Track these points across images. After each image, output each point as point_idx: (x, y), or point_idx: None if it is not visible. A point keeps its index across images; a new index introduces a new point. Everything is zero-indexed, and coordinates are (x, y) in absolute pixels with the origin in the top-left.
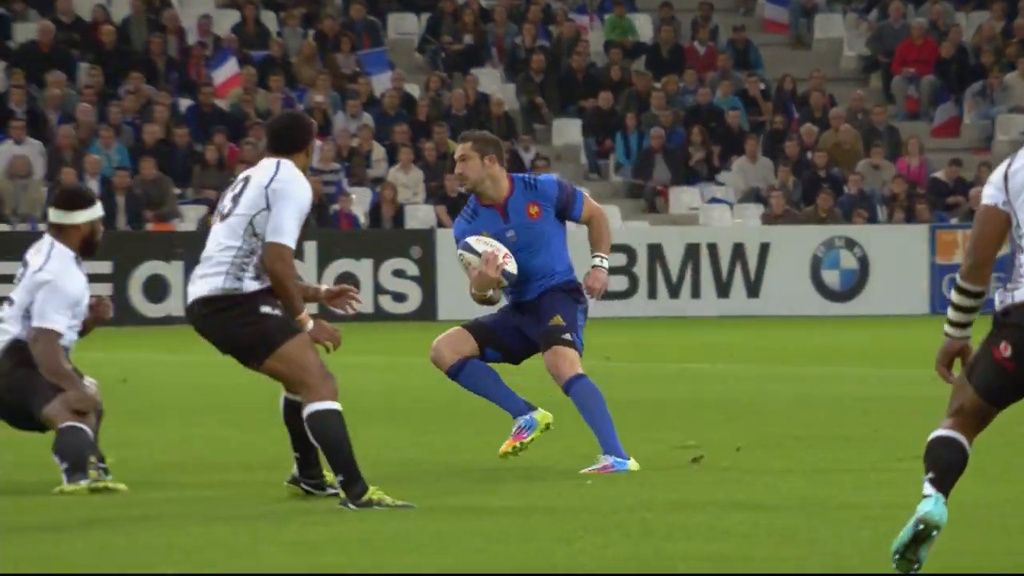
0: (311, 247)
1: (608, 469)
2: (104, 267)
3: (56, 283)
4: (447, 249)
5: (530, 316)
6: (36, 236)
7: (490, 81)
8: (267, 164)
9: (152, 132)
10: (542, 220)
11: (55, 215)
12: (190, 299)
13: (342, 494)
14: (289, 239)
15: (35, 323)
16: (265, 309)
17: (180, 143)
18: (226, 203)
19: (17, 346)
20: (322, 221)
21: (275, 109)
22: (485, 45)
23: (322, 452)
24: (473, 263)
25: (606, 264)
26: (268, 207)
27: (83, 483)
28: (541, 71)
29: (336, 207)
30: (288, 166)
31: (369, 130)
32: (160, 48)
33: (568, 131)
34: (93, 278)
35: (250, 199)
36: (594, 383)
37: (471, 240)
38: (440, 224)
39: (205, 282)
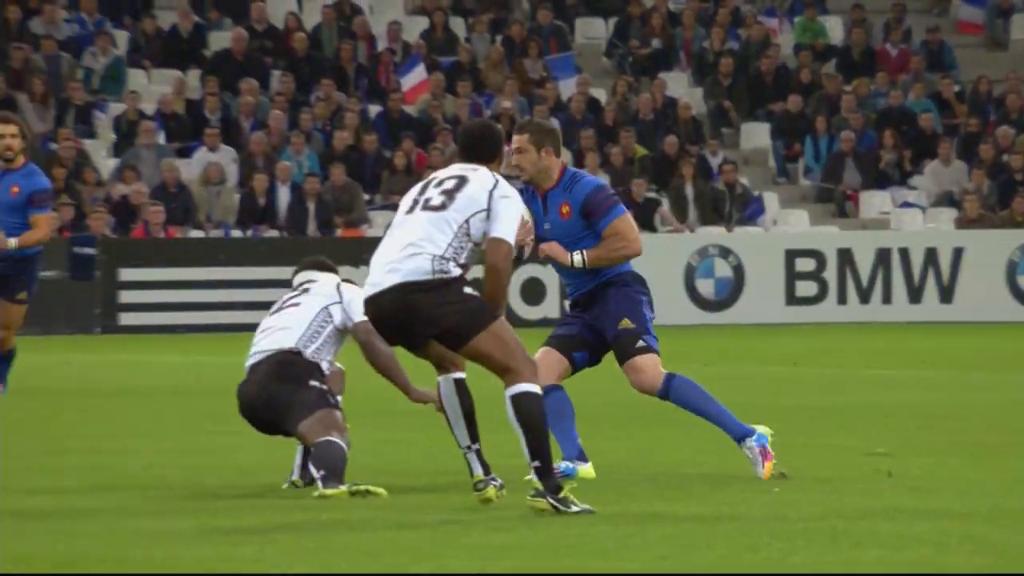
0: None
1: (767, 453)
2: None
3: (356, 289)
4: None
5: (594, 311)
6: (230, 243)
7: (678, 85)
8: (484, 171)
9: (342, 138)
10: (571, 220)
11: (306, 276)
12: (385, 285)
13: (535, 482)
14: (513, 240)
15: (356, 318)
16: (468, 290)
17: (369, 149)
18: (432, 195)
19: (283, 358)
20: None
21: (463, 115)
22: (673, 49)
23: (523, 435)
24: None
25: (576, 259)
26: (488, 210)
27: (342, 487)
28: (729, 75)
29: None
30: (503, 178)
31: None
32: (350, 55)
33: (756, 135)
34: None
35: (471, 198)
36: (685, 376)
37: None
38: None
39: (410, 264)
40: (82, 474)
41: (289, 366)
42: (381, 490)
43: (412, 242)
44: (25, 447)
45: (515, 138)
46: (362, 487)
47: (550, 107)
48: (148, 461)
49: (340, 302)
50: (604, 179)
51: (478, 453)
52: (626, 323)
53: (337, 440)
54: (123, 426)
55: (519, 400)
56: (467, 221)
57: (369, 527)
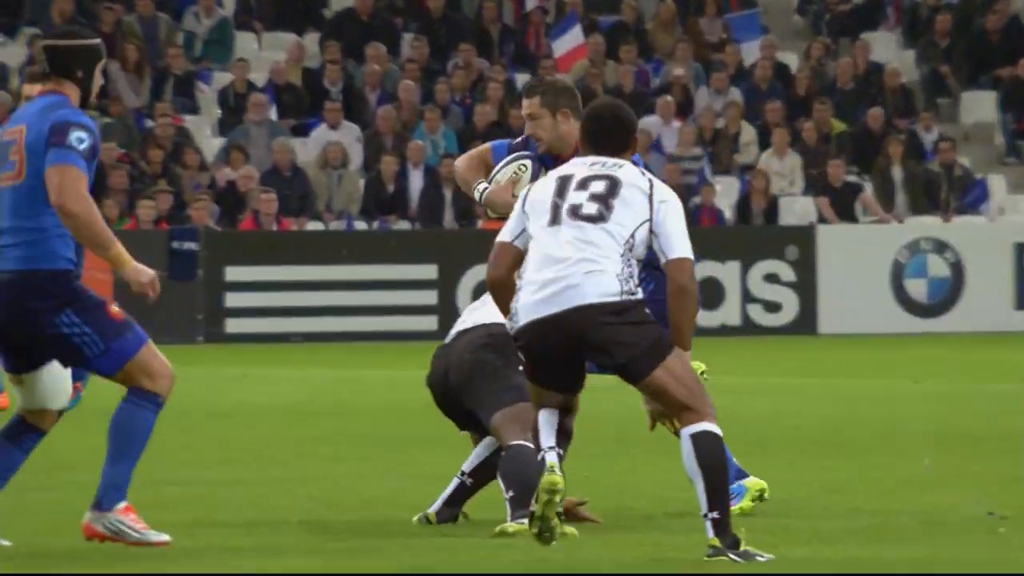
0: None
1: None
2: (429, 272)
3: None
4: (830, 248)
5: None
6: (353, 236)
7: (884, 47)
8: (630, 168)
9: (484, 113)
10: None
11: None
12: (565, 305)
13: (712, 539)
14: (692, 255)
15: None
16: (650, 314)
17: (516, 126)
18: (579, 200)
19: (500, 329)
20: None
21: (627, 84)
22: (879, 4)
23: (702, 480)
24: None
25: None
26: (651, 219)
27: (526, 522)
28: (947, 34)
29: (697, 200)
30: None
31: (737, 108)
32: (494, 15)
33: (980, 106)
34: (416, 284)
35: (629, 206)
36: None
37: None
38: (821, 219)
39: (594, 282)
40: (182, 508)
41: (505, 338)
42: (571, 529)
43: (587, 258)
44: None
45: (525, 103)
46: None
47: (730, 75)
48: (258, 492)
49: None
50: (798, 160)
51: (560, 456)
52: None
53: (532, 445)
54: (229, 452)
55: (700, 440)
56: (632, 235)
57: (519, 570)
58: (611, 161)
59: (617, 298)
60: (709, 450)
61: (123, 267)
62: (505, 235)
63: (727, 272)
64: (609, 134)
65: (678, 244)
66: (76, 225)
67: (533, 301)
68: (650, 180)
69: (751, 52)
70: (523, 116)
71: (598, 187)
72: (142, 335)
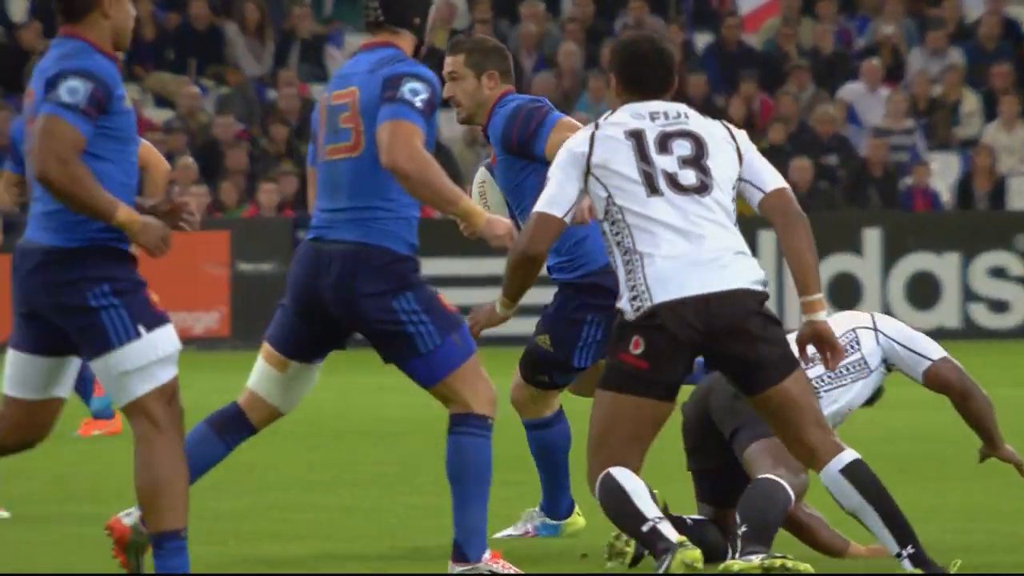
0: (872, 236)
1: None
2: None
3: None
4: None
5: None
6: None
7: None
8: (696, 114)
9: None
10: (500, 168)
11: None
12: (719, 286)
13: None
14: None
15: (934, 356)
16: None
17: (695, 94)
18: (672, 167)
19: None
20: (888, 200)
21: (825, 45)
22: None
23: (875, 516)
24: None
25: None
26: (740, 171)
27: (755, 559)
28: None
29: (909, 181)
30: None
31: (958, 72)
32: None
33: None
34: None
35: (724, 166)
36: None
37: (481, 175)
38: None
39: (744, 265)
40: (308, 538)
41: None
42: (806, 566)
43: (723, 237)
44: (254, 503)
45: (448, 60)
46: (778, 560)
47: (950, 33)
48: (395, 522)
49: (877, 329)
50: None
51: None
52: (544, 340)
53: (782, 482)
54: (361, 474)
55: (854, 473)
56: (733, 200)
57: None
58: (672, 109)
59: (761, 287)
60: (869, 479)
61: (475, 221)
62: (554, 207)
63: (944, 265)
64: (654, 74)
65: (770, 176)
66: (413, 186)
67: (677, 271)
68: (723, 124)
69: (975, 5)
70: (444, 75)
71: (683, 149)
72: (471, 342)
